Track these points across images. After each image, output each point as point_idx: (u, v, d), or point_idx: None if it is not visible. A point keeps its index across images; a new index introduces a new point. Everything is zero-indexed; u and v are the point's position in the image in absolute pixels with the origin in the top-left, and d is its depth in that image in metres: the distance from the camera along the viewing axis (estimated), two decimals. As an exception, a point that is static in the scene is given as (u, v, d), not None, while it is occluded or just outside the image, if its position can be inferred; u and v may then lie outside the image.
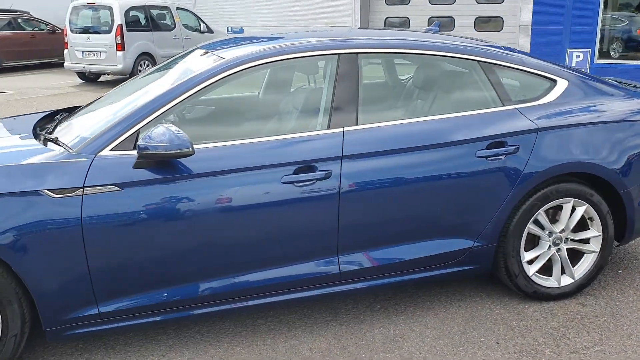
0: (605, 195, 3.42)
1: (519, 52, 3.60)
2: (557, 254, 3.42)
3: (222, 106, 3.56)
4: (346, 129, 3.03)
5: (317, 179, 2.92)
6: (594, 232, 3.44)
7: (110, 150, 2.75)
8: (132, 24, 13.07)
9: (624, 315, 3.32)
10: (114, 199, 2.68)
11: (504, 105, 3.30)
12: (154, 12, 13.76)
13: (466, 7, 14.86)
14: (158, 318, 2.89)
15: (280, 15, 16.76)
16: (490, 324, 3.25)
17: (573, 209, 3.37)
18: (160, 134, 2.63)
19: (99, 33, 13.01)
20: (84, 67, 13.11)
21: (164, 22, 13.96)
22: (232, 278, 2.92)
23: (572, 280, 3.48)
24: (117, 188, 2.68)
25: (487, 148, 3.16)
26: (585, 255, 3.50)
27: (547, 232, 3.38)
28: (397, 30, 3.97)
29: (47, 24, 17.00)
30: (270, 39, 3.47)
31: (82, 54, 13.06)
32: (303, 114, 3.31)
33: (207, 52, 3.36)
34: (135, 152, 2.71)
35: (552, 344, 3.07)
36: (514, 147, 3.19)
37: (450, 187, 3.14)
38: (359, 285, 3.16)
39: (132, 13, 13.13)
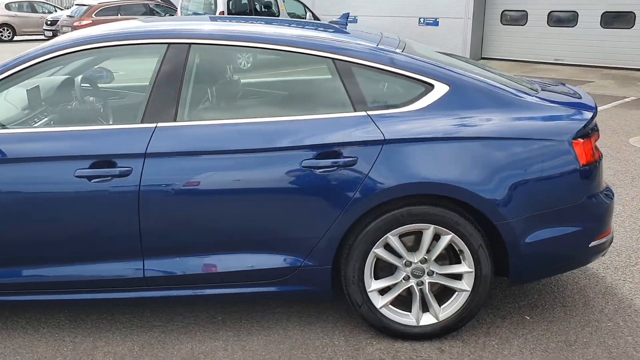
0: (487, 227, 2.86)
1: (404, 52, 3.06)
2: (416, 288, 2.93)
3: (52, 91, 3.42)
4: (160, 124, 2.82)
5: (114, 176, 2.76)
6: (465, 267, 2.89)
7: None
8: (236, 11, 13.45)
9: (475, 371, 2.76)
10: None
11: (355, 111, 2.86)
12: (259, -1, 14.07)
13: (592, 0, 13.35)
14: None
15: (393, 6, 16.35)
16: (313, 357, 2.86)
17: (438, 237, 2.87)
18: None
19: (205, 19, 13.56)
20: (191, 52, 13.77)
21: (269, 10, 14.21)
22: (22, 270, 2.87)
23: (436, 321, 2.95)
24: None
25: (315, 158, 2.77)
26: (456, 293, 2.96)
27: (404, 260, 2.90)
28: (259, 21, 3.55)
29: (176, 9, 18.09)
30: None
31: (190, 38, 13.69)
32: (124, 106, 3.14)
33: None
34: None
35: (359, 390, 2.63)
36: (349, 159, 2.76)
37: (268, 197, 2.80)
38: (172, 292, 2.95)
39: (236, 0, 13.52)
